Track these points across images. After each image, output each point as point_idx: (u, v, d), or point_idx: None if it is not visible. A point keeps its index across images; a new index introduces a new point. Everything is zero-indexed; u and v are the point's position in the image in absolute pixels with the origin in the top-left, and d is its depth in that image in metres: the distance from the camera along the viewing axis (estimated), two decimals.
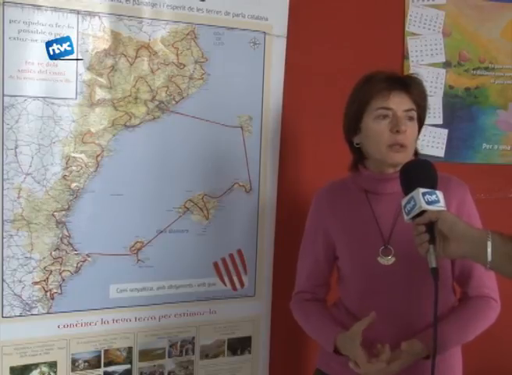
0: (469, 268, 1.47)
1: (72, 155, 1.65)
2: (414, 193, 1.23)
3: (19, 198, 1.60)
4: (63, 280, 1.67)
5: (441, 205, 1.21)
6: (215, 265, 1.86)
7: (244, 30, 1.81)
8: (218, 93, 1.80)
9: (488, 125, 2.18)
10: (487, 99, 2.17)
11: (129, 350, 1.79)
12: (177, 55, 1.74)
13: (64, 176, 1.65)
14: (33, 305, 1.65)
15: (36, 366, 1.68)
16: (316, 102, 1.94)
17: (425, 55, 2.10)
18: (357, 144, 1.53)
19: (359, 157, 1.54)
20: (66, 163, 1.65)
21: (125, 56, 1.68)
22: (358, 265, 1.51)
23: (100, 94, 1.66)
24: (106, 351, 1.76)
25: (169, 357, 1.85)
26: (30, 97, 1.59)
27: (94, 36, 1.64)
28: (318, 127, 1.94)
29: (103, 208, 1.70)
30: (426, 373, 1.27)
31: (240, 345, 1.94)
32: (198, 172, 1.81)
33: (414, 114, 1.47)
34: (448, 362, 1.48)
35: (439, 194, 1.23)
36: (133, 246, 1.75)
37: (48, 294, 1.66)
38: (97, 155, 1.68)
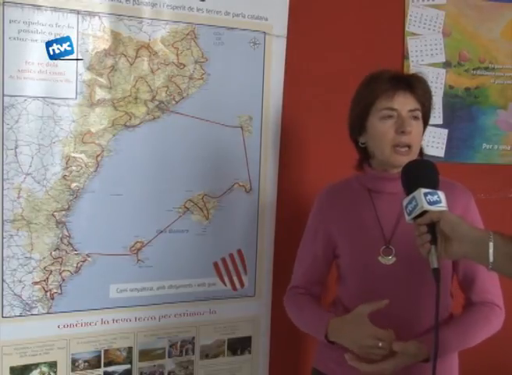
0: (472, 272, 1.47)
1: (72, 155, 1.65)
2: (415, 193, 1.22)
3: (19, 198, 1.60)
4: (63, 280, 1.67)
5: (443, 206, 1.21)
6: (215, 265, 1.86)
7: (244, 30, 1.81)
8: (218, 93, 1.79)
9: (488, 125, 2.18)
10: (487, 99, 2.17)
11: (129, 350, 1.79)
12: (177, 55, 1.74)
13: (64, 176, 1.65)
14: (33, 305, 1.65)
15: (36, 366, 1.68)
16: (316, 102, 1.94)
17: (425, 55, 2.10)
18: (363, 143, 1.53)
19: (364, 156, 1.54)
20: (66, 163, 1.64)
21: (125, 56, 1.68)
22: (359, 264, 1.51)
23: (100, 94, 1.66)
24: (106, 351, 1.76)
25: (169, 357, 1.84)
26: (30, 97, 1.58)
27: (94, 36, 1.64)
28: (318, 127, 1.94)
29: (103, 208, 1.70)
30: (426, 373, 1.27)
31: (239, 345, 1.94)
32: (198, 172, 1.81)
33: (419, 114, 1.47)
34: (445, 364, 1.47)
35: (441, 195, 1.22)
36: (133, 246, 1.75)
37: (48, 294, 1.66)
38: (97, 155, 1.68)
